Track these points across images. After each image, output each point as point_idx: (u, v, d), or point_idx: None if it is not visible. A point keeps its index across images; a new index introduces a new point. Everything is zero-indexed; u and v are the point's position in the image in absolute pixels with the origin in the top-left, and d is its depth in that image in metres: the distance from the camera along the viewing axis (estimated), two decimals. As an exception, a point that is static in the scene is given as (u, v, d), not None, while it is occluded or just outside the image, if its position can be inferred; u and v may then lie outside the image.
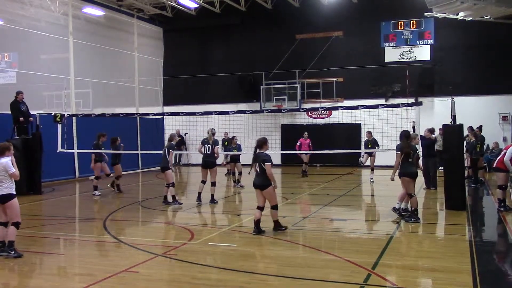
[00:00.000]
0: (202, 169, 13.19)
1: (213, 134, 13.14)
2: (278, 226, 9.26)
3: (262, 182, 9.02)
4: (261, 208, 9.16)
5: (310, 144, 18.67)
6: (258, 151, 9.18)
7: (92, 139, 15.20)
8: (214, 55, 26.02)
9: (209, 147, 12.92)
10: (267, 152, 9.28)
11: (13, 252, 7.71)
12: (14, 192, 7.84)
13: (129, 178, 20.03)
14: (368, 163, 17.40)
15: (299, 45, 23.81)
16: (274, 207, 9.21)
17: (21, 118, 15.01)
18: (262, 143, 9.21)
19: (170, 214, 12.03)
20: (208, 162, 13.02)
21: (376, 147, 16.81)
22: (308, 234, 9.48)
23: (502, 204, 11.14)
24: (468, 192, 13.82)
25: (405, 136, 10.27)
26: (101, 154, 15.02)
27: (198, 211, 12.36)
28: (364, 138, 17.57)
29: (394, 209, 10.65)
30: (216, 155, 13.03)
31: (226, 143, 18.82)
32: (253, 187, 9.24)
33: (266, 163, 8.92)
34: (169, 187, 12.73)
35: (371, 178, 17.09)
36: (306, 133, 18.97)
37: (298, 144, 18.56)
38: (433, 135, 14.99)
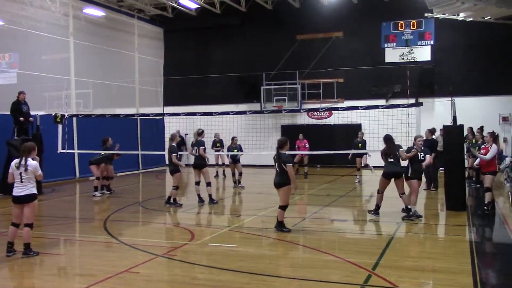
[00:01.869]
0: (194, 170, 13.25)
1: (199, 134, 13.08)
2: (281, 226, 9.28)
3: (280, 181, 9.17)
4: None
5: (307, 145, 18.59)
6: (279, 151, 9.26)
7: (93, 140, 15.20)
8: (214, 55, 26.02)
9: (196, 149, 12.95)
10: (287, 152, 9.43)
11: (32, 253, 7.84)
12: (37, 192, 8.03)
13: (130, 178, 20.04)
14: (360, 163, 17.40)
15: (299, 46, 23.81)
16: (283, 208, 9.27)
17: (21, 118, 15.02)
18: (283, 143, 9.31)
19: (171, 214, 12.03)
20: (197, 164, 13.05)
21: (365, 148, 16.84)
22: (309, 235, 9.47)
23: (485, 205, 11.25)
24: (469, 193, 13.83)
25: (388, 139, 10.90)
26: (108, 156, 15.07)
27: (198, 211, 12.36)
28: (365, 138, 17.49)
29: (404, 210, 10.72)
30: (206, 157, 13.05)
31: (218, 144, 18.76)
32: (274, 187, 9.36)
33: (288, 165, 9.09)
34: (172, 189, 12.72)
35: (358, 178, 17.32)
36: (301, 134, 18.84)
37: (296, 147, 18.48)
38: (434, 136, 14.97)
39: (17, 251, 7.96)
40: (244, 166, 17.47)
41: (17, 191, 7.85)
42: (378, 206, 11.02)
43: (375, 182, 16.84)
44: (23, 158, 7.85)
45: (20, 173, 7.80)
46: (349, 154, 17.00)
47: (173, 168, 12.66)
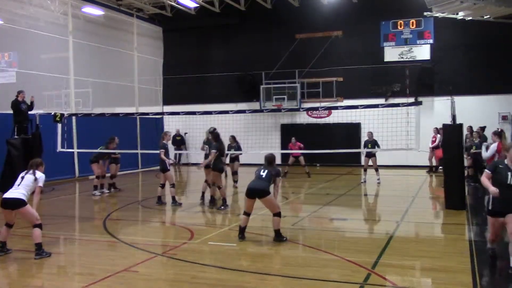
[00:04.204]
0: (205, 169, 13.19)
1: (211, 133, 13.07)
2: (279, 237, 8.64)
3: (264, 190, 8.57)
4: (249, 215, 8.82)
5: (302, 146, 18.36)
6: (269, 167, 8.86)
7: (92, 139, 15.23)
8: (213, 54, 26.01)
9: (207, 147, 12.94)
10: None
11: (44, 253, 7.74)
12: (26, 201, 7.81)
13: (129, 177, 20.03)
14: (370, 163, 17.05)
15: (298, 45, 23.79)
16: (279, 214, 8.66)
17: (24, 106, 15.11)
18: (273, 160, 8.96)
19: (170, 213, 12.03)
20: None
21: (377, 147, 16.40)
22: (308, 234, 9.48)
23: None
24: (468, 192, 13.83)
25: (215, 136, 12.15)
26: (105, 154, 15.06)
27: (198, 210, 12.35)
28: (364, 138, 17.41)
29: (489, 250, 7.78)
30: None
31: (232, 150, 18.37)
32: (248, 195, 8.75)
33: (278, 178, 8.83)
34: (169, 187, 12.70)
35: (378, 179, 16.69)
36: (293, 138, 18.44)
37: (289, 149, 18.41)
38: None
39: (11, 250, 7.98)
40: (243, 165, 17.46)
41: (8, 193, 7.79)
42: (224, 200, 12.12)
43: (374, 181, 16.97)
44: (32, 170, 7.98)
45: (22, 177, 7.87)
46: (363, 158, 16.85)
47: (163, 166, 12.65)
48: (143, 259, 7.61)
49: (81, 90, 21.16)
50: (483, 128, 17.12)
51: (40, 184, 7.94)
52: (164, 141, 12.79)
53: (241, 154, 16.91)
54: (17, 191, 7.75)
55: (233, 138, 16.76)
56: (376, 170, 16.89)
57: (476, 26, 20.28)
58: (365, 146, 16.68)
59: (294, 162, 18.77)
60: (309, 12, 23.67)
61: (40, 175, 7.98)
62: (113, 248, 8.60)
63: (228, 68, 25.01)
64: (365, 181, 17.05)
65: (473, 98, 21.09)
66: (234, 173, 16.72)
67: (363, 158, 17.62)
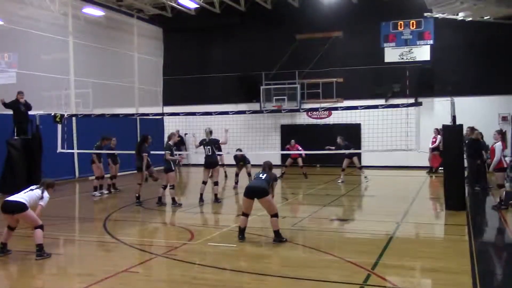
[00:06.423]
0: (204, 170, 13.17)
1: (210, 132, 13.11)
2: (278, 237, 8.64)
3: (264, 190, 8.61)
4: (247, 215, 8.84)
5: (300, 148, 18.35)
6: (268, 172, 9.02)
7: (92, 140, 15.24)
8: (214, 55, 26.01)
9: (209, 148, 12.90)
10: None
11: (45, 254, 7.73)
12: (28, 205, 7.81)
13: (129, 178, 20.02)
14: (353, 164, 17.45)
15: (299, 46, 23.80)
16: (276, 215, 8.71)
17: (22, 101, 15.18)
18: (272, 166, 9.18)
19: (170, 214, 12.04)
20: (210, 162, 13.03)
21: (352, 149, 16.91)
22: (308, 234, 9.49)
23: (498, 202, 11.38)
24: (468, 193, 13.83)
25: (142, 139, 13.19)
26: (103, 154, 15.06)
27: (198, 211, 12.36)
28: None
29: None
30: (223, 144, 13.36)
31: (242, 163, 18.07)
32: (246, 196, 8.76)
33: (275, 182, 9.07)
34: (169, 188, 12.70)
35: (365, 177, 17.20)
36: (293, 140, 18.40)
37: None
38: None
39: (11, 250, 7.98)
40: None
41: (11, 196, 7.85)
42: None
43: (375, 181, 17.02)
44: (43, 187, 8.05)
45: (32, 189, 7.93)
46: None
47: (167, 166, 12.65)
48: (143, 259, 7.63)
49: (81, 90, 21.15)
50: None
51: (43, 203, 7.94)
52: (170, 142, 12.84)
53: (243, 154, 16.83)
54: (20, 196, 7.80)
55: (240, 151, 16.67)
56: (360, 169, 17.51)
57: (476, 27, 20.27)
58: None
59: (292, 164, 18.81)
60: (309, 13, 23.67)
61: (46, 195, 8.02)
62: (113, 249, 8.61)
63: (228, 69, 25.00)
64: (367, 178, 17.26)
65: (473, 98, 21.09)
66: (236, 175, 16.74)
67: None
